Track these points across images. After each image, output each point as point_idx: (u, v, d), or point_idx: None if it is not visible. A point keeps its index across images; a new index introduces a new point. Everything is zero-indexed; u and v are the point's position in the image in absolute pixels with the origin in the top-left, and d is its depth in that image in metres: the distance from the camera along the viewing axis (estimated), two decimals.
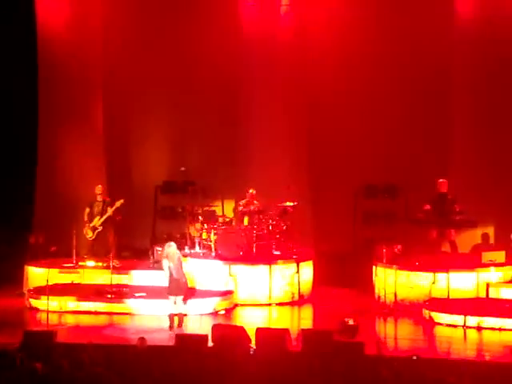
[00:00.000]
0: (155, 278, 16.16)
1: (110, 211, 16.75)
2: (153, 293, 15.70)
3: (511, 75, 17.71)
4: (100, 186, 17.21)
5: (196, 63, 19.28)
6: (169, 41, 19.29)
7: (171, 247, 14.66)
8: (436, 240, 16.43)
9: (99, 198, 17.01)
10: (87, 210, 17.02)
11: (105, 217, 16.79)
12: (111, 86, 19.62)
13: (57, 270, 16.76)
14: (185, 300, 14.65)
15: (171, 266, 14.45)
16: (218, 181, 19.15)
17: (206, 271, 16.42)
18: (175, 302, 14.52)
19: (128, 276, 16.59)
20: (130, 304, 15.48)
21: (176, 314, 14.48)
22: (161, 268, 14.87)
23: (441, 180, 16.48)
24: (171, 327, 14.32)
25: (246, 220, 17.09)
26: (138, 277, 16.61)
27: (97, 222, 16.83)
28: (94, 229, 16.86)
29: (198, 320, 14.94)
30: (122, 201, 16.72)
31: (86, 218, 16.99)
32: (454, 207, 16.07)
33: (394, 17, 18.51)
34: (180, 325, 14.42)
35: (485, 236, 17.04)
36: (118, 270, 16.45)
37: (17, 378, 9.89)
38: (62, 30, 19.18)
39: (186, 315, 14.71)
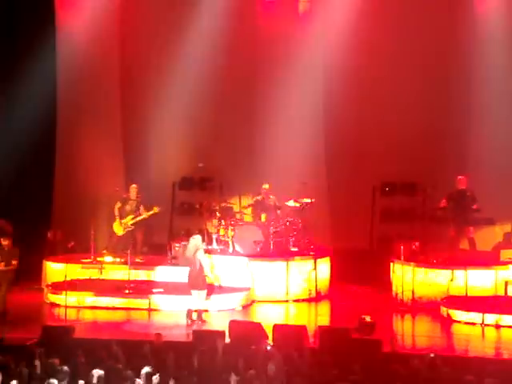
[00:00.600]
0: (174, 273, 16.21)
1: (145, 215, 16.75)
2: (171, 288, 15.73)
3: None
4: (134, 185, 17.13)
5: (214, 59, 19.25)
6: (187, 38, 19.28)
7: (196, 239, 14.61)
8: (454, 237, 16.38)
9: (133, 197, 16.97)
10: (118, 204, 16.96)
11: (139, 218, 16.78)
12: (129, 83, 19.65)
13: (76, 266, 16.81)
14: (208, 295, 14.65)
15: (192, 259, 14.41)
16: (235, 177, 19.12)
17: (224, 267, 16.43)
18: (198, 296, 14.47)
19: (148, 272, 16.59)
20: (148, 299, 15.50)
21: (195, 310, 14.46)
22: (178, 264, 14.89)
23: (460, 177, 16.43)
24: (190, 323, 14.30)
25: (263, 216, 17.08)
26: (158, 273, 16.63)
27: (129, 220, 16.78)
28: (125, 226, 16.81)
29: (216, 316, 14.95)
30: (157, 208, 16.73)
31: (116, 213, 16.92)
32: (471, 204, 16.01)
33: (414, 15, 18.40)
34: (199, 320, 14.40)
35: (507, 235, 16.91)
36: (140, 266, 16.46)
37: (35, 373, 9.96)
38: (80, 29, 19.22)
39: (206, 311, 14.71)
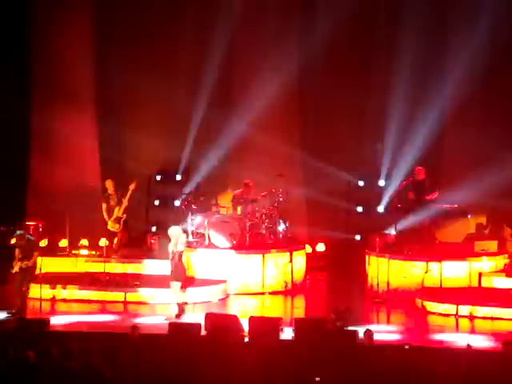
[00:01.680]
0: (151, 267, 16.21)
1: (126, 197, 16.62)
2: (149, 281, 15.71)
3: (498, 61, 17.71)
4: (110, 180, 17.04)
5: (191, 52, 19.24)
6: (166, 31, 19.25)
7: (175, 229, 14.54)
8: (429, 229, 16.48)
9: (110, 191, 16.87)
10: (104, 205, 16.84)
11: (124, 204, 16.65)
12: (105, 75, 19.57)
13: (52, 259, 16.74)
14: (183, 288, 14.63)
15: (172, 250, 14.37)
16: (212, 169, 19.14)
17: (200, 260, 16.43)
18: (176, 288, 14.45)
19: (124, 265, 16.58)
20: (124, 292, 15.47)
21: (182, 302, 14.45)
22: (157, 256, 14.83)
23: (418, 167, 16.56)
24: (180, 315, 14.28)
25: (239, 209, 17.10)
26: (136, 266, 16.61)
27: (118, 212, 16.68)
28: (118, 220, 16.70)
29: (192, 308, 14.95)
30: (134, 183, 16.59)
31: (105, 214, 16.79)
32: (428, 194, 16.13)
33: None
34: (180, 313, 14.40)
35: (479, 226, 17.07)
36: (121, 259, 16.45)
37: (9, 367, 9.90)
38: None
39: (186, 303, 14.70)
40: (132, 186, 16.53)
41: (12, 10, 19.05)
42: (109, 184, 16.90)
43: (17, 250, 14.56)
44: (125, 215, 16.68)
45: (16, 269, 14.48)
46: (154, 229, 19.03)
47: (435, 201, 16.22)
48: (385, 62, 18.49)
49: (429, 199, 16.17)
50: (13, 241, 15.06)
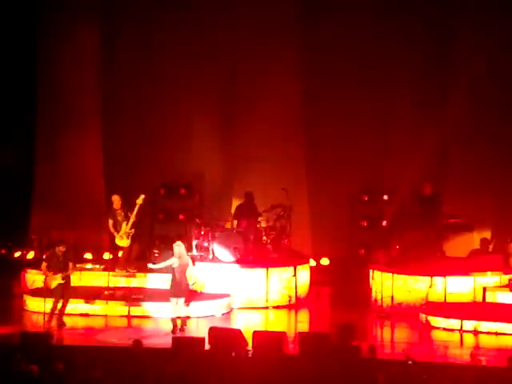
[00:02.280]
0: (155, 280, 16.20)
1: (134, 211, 16.49)
2: (151, 295, 15.69)
3: (503, 73, 17.71)
4: (116, 195, 16.94)
5: (192, 68, 19.30)
6: (165, 45, 19.32)
7: (180, 246, 14.54)
8: (430, 243, 16.47)
9: (116, 207, 16.73)
10: (111, 221, 16.69)
11: (132, 219, 16.55)
12: (109, 90, 19.62)
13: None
14: (187, 302, 14.61)
15: (177, 266, 14.34)
16: (216, 183, 19.16)
17: (204, 274, 16.41)
18: (177, 304, 14.44)
19: (128, 279, 16.55)
20: (127, 306, 15.45)
21: (179, 317, 14.42)
22: (160, 270, 14.79)
23: (425, 183, 16.62)
24: (174, 330, 14.26)
25: (243, 223, 17.09)
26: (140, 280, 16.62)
27: (126, 227, 16.56)
28: (127, 235, 16.61)
29: (195, 323, 14.94)
30: (143, 196, 16.44)
31: (112, 230, 16.64)
32: (439, 209, 16.20)
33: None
34: (182, 328, 14.36)
35: (484, 241, 17.01)
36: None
37: (13, 381, 9.89)
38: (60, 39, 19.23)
39: (188, 318, 14.67)
40: (139, 201, 16.42)
41: (19, 28, 19.16)
42: (115, 199, 16.82)
43: (44, 265, 14.55)
44: (133, 230, 16.55)
45: (56, 283, 14.51)
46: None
47: (441, 216, 16.22)
48: (388, 75, 18.51)
49: (435, 214, 16.19)
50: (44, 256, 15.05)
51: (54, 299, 14.63)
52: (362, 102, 18.74)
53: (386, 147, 18.77)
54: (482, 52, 17.52)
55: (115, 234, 16.53)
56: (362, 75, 18.65)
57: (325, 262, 18.45)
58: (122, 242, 16.53)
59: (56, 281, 14.57)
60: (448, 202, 17.03)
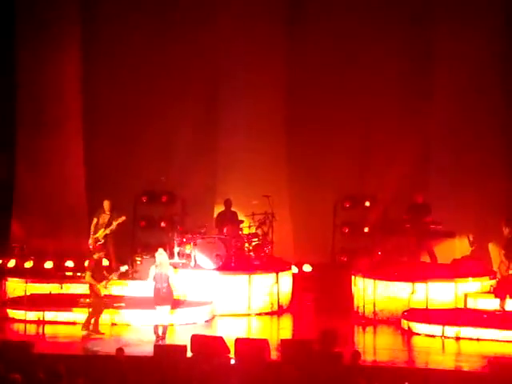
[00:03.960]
0: (135, 288, 16.14)
1: (113, 225, 16.59)
2: (133, 303, 15.63)
3: (487, 81, 17.80)
4: (108, 200, 16.93)
5: (174, 73, 19.30)
6: (149, 55, 19.31)
7: (163, 255, 14.54)
8: (414, 250, 16.53)
9: (107, 212, 16.79)
10: (95, 220, 16.75)
11: (108, 230, 16.59)
12: (91, 96, 19.57)
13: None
14: (172, 309, 14.57)
15: (158, 274, 14.32)
16: (198, 190, 19.13)
17: (185, 281, 16.38)
18: (161, 312, 14.37)
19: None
20: (109, 314, 15.38)
21: (161, 325, 14.37)
22: (142, 277, 14.78)
23: (417, 193, 16.73)
24: (157, 338, 14.21)
25: (225, 230, 17.08)
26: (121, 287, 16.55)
27: (101, 233, 16.61)
28: (96, 241, 16.62)
29: (178, 330, 14.90)
30: (123, 218, 16.62)
31: (92, 229, 16.74)
32: (426, 217, 16.29)
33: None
34: (163, 336, 14.32)
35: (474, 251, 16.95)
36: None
37: None
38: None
39: (171, 325, 14.63)
40: (120, 220, 16.54)
41: None
42: (106, 204, 16.84)
43: (89, 275, 14.68)
44: (103, 240, 16.60)
45: (104, 291, 14.69)
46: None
47: (428, 223, 16.30)
48: (374, 78, 18.56)
49: (424, 221, 16.27)
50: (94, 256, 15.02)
51: (93, 308, 14.65)
52: (343, 109, 18.77)
53: (368, 154, 18.81)
54: (464, 60, 17.62)
55: (91, 233, 16.62)
56: (344, 81, 18.69)
57: (307, 268, 18.46)
58: (91, 244, 16.60)
59: (104, 288, 14.64)
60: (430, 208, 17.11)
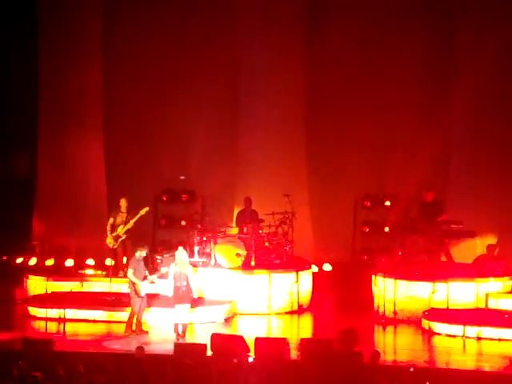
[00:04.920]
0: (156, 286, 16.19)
1: (134, 219, 16.54)
2: (153, 301, 15.67)
3: (509, 77, 17.68)
4: (124, 199, 16.94)
5: (195, 72, 19.33)
6: (173, 45, 19.35)
7: (182, 254, 14.56)
8: (435, 250, 16.46)
9: (123, 210, 16.80)
10: (111, 220, 16.69)
11: (129, 225, 16.58)
12: (112, 91, 19.65)
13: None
14: (192, 308, 14.60)
15: (177, 273, 14.33)
16: (217, 189, 19.16)
17: (206, 280, 16.40)
18: (181, 310, 14.38)
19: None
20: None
21: (181, 324, 14.39)
22: (163, 276, 14.79)
23: (427, 191, 16.64)
24: (177, 337, 14.23)
25: (245, 229, 17.08)
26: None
27: (120, 230, 16.60)
28: (117, 238, 16.63)
29: (198, 329, 14.91)
30: (147, 208, 16.55)
31: (108, 228, 16.67)
32: (438, 216, 16.25)
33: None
34: (183, 334, 14.35)
35: (490, 247, 16.90)
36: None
37: None
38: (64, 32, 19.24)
39: (190, 324, 14.64)
40: (143, 212, 16.50)
41: (20, 31, 19.23)
42: (122, 203, 16.86)
43: (131, 272, 14.56)
44: (125, 236, 16.60)
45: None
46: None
47: (443, 222, 16.24)
48: (394, 76, 18.50)
49: (438, 220, 16.23)
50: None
51: (133, 307, 14.61)
52: (363, 108, 18.73)
53: (388, 153, 18.75)
54: (484, 56, 17.50)
55: (108, 233, 16.59)
56: (364, 79, 18.64)
57: (327, 267, 18.43)
58: (111, 242, 16.59)
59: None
60: (450, 208, 17.03)
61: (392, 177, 18.67)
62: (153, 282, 14.77)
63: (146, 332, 14.65)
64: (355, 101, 18.75)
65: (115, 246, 16.62)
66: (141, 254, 14.72)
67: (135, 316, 14.60)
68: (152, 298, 15.36)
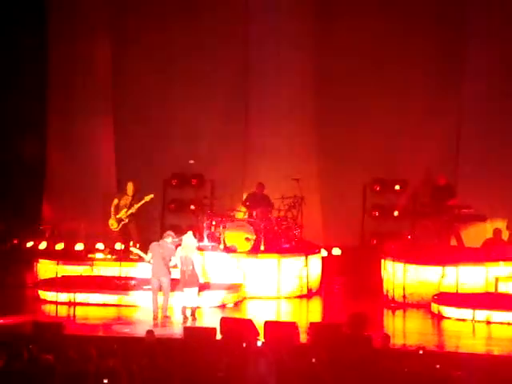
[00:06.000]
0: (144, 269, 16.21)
1: (138, 204, 16.56)
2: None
3: None
4: (131, 182, 16.95)
5: (204, 56, 19.32)
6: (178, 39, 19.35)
7: (189, 238, 14.57)
8: (444, 234, 16.43)
9: (129, 193, 16.80)
10: (115, 201, 16.74)
11: (132, 209, 16.58)
12: (121, 76, 19.67)
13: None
14: (199, 292, 14.64)
15: (183, 257, 14.37)
16: (227, 173, 19.16)
17: (215, 264, 16.43)
18: (190, 294, 14.42)
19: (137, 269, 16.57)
20: (139, 296, 15.48)
21: (189, 307, 14.44)
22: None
23: (440, 174, 16.63)
24: (185, 320, 14.28)
25: (254, 213, 17.08)
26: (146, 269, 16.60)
27: (123, 214, 16.63)
28: (119, 220, 16.67)
29: (207, 313, 14.96)
30: (151, 195, 16.57)
31: (112, 210, 16.75)
32: (449, 200, 16.25)
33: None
34: (193, 317, 14.39)
35: (496, 231, 16.90)
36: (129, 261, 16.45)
37: (27, 369, 9.93)
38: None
39: (198, 308, 14.70)
40: (148, 198, 16.51)
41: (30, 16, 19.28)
42: (129, 186, 16.88)
43: None
44: (127, 220, 16.62)
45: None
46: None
47: (453, 206, 16.23)
48: (404, 61, 18.48)
49: (449, 204, 16.21)
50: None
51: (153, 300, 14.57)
52: (373, 93, 18.72)
53: (398, 137, 18.72)
54: (495, 40, 17.41)
55: (112, 214, 16.61)
56: (375, 64, 18.63)
57: (336, 252, 18.43)
58: (113, 224, 16.61)
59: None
60: (460, 192, 17.00)
61: (402, 161, 18.64)
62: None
63: (169, 316, 14.62)
64: (366, 86, 18.74)
65: (117, 229, 16.65)
66: (166, 240, 14.63)
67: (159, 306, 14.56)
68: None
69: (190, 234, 14.76)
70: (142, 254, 14.85)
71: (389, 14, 18.60)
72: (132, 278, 16.20)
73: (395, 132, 18.75)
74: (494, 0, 17.61)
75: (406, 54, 18.60)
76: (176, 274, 14.66)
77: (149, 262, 14.58)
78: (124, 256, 16.68)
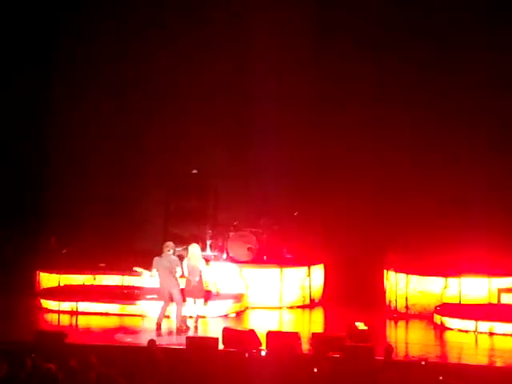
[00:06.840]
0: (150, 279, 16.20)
1: None
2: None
3: None
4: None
5: (208, 67, 19.37)
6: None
7: (195, 248, 14.59)
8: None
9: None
10: None
11: None
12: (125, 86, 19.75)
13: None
14: (205, 302, 14.64)
15: (190, 267, 14.36)
16: (230, 183, 19.17)
17: (217, 274, 16.43)
18: (194, 304, 14.45)
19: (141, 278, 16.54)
20: (141, 306, 15.48)
21: (191, 316, 14.44)
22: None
23: None
24: (186, 329, 14.26)
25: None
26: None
27: None
28: None
29: (209, 322, 14.95)
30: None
31: None
32: None
33: None
34: (195, 327, 14.39)
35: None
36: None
37: (29, 379, 9.93)
38: None
39: (203, 317, 14.68)
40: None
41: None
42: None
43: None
44: None
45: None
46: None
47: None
48: (399, 75, 18.46)
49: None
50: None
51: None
52: (374, 102, 18.72)
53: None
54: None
55: None
56: (376, 73, 18.60)
57: (339, 262, 18.38)
58: None
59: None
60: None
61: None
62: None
63: (186, 327, 14.40)
64: (367, 93, 18.66)
65: None
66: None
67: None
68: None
69: (195, 244, 14.78)
70: (146, 272, 14.73)
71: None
72: (135, 288, 16.20)
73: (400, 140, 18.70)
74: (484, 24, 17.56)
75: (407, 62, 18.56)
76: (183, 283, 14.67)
77: (151, 276, 14.53)
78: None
